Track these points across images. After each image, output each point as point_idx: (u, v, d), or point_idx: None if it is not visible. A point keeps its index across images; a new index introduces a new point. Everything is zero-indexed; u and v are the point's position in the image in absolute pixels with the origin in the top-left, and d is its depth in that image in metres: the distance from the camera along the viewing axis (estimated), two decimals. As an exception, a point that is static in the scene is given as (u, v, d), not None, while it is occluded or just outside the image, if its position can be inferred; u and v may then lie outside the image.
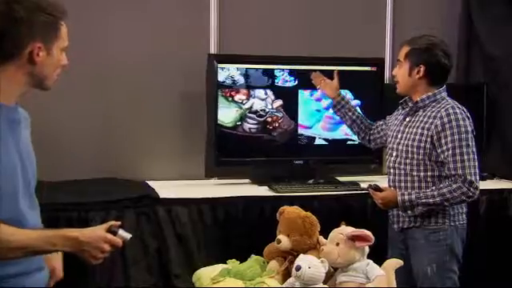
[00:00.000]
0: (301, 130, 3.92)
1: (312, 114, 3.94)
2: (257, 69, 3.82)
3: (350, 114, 3.42)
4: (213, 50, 3.95)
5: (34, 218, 2.01)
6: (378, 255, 2.24)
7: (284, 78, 3.87)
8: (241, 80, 3.79)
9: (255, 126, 3.87)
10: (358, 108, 3.55)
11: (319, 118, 3.95)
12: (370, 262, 2.16)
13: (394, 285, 2.14)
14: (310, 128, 3.94)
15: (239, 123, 3.83)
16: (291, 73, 3.87)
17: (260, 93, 3.85)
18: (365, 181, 3.84)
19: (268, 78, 3.84)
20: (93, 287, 3.15)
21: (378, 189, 3.04)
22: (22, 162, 1.92)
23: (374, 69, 4.02)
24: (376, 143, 3.41)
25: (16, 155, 1.90)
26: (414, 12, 4.31)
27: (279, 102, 3.90)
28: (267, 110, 3.89)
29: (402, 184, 3.03)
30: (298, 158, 3.95)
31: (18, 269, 1.92)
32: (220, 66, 3.75)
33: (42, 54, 1.90)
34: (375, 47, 4.22)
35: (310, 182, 3.83)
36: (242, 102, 3.82)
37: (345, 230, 2.19)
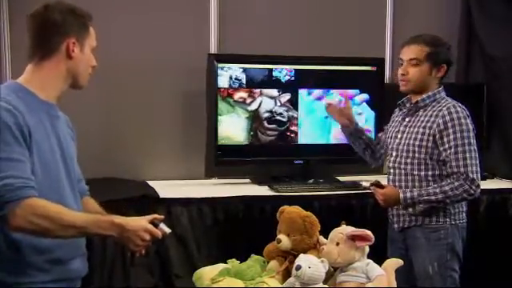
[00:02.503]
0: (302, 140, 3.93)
1: (317, 128, 3.95)
2: (257, 68, 3.82)
3: (363, 137, 3.33)
4: (213, 49, 3.95)
5: (78, 208, 2.15)
6: (377, 255, 2.23)
7: (284, 78, 3.87)
8: (241, 79, 3.78)
9: (274, 138, 3.87)
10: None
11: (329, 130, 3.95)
12: (370, 261, 2.16)
13: (395, 285, 2.14)
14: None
15: (252, 133, 3.82)
16: (291, 72, 3.87)
17: (271, 92, 3.84)
18: (365, 180, 3.84)
19: (268, 77, 3.84)
20: (93, 287, 3.15)
21: (379, 185, 3.04)
22: (62, 153, 2.12)
23: (374, 68, 4.02)
24: (381, 159, 3.38)
25: (57, 146, 2.10)
26: (415, 12, 4.31)
27: (287, 97, 3.88)
28: (285, 114, 3.87)
29: (403, 183, 3.03)
30: (298, 157, 3.95)
31: (59, 254, 2.06)
32: (220, 65, 3.75)
33: (77, 50, 2.12)
34: (375, 47, 4.22)
35: (310, 181, 3.83)
36: (244, 102, 3.80)
37: (345, 229, 2.19)
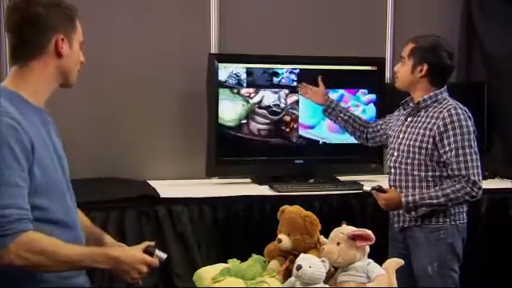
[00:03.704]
0: (302, 132, 3.91)
1: (315, 111, 3.91)
2: (257, 68, 3.81)
3: (341, 115, 3.44)
4: (213, 49, 3.95)
5: (77, 217, 2.08)
6: (378, 254, 2.23)
7: (284, 78, 3.86)
8: (241, 79, 3.78)
9: (266, 127, 3.86)
10: (348, 108, 3.56)
11: (324, 117, 3.92)
12: (371, 261, 2.15)
13: (395, 284, 2.14)
14: (312, 128, 3.93)
15: (244, 121, 3.81)
16: (292, 72, 3.87)
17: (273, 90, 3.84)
18: (365, 180, 3.84)
19: (269, 77, 3.84)
20: (94, 287, 3.15)
21: (381, 190, 3.03)
22: (59, 161, 2.00)
23: (374, 68, 4.02)
24: (375, 141, 3.42)
25: (54, 154, 1.97)
26: (415, 11, 4.31)
27: (294, 98, 3.87)
28: (282, 105, 3.88)
29: (403, 183, 3.03)
30: (299, 157, 3.94)
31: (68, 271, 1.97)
32: (221, 65, 3.75)
33: (65, 47, 1.96)
34: (376, 46, 4.21)
35: (311, 181, 3.82)
36: (249, 96, 3.80)
37: (345, 229, 2.19)
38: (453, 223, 2.99)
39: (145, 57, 3.82)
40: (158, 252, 2.06)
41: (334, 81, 3.93)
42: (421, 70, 3.00)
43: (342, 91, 3.93)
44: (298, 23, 4.12)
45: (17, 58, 1.96)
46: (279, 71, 3.85)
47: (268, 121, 3.84)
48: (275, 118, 3.86)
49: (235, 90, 3.77)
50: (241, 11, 4.03)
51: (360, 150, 3.87)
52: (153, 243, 2.08)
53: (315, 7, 4.16)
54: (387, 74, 4.16)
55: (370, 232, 2.15)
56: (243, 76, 3.79)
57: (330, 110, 3.45)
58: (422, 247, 2.99)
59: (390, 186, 3.10)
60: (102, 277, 3.15)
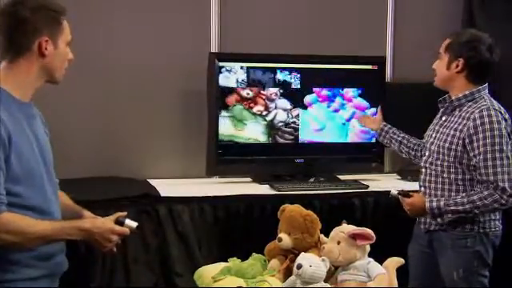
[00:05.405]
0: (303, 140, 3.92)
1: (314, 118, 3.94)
2: (258, 67, 3.81)
3: (394, 137, 3.28)
4: (214, 48, 3.95)
5: (58, 206, 2.18)
6: (379, 253, 2.23)
7: (285, 76, 3.86)
8: (242, 78, 3.78)
9: (289, 142, 3.89)
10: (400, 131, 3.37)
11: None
12: (371, 260, 2.16)
13: (395, 283, 2.14)
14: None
15: (271, 139, 3.84)
16: (292, 71, 3.86)
17: (284, 103, 3.84)
18: (366, 179, 3.84)
19: (269, 76, 3.84)
20: (94, 286, 3.15)
21: (406, 194, 2.93)
22: (41, 153, 2.09)
23: (375, 67, 4.01)
24: None
25: (36, 146, 2.07)
26: (416, 10, 4.30)
27: (297, 111, 3.87)
28: (298, 122, 3.88)
29: (433, 185, 2.91)
30: (299, 156, 3.94)
31: (43, 250, 2.07)
32: (221, 64, 3.74)
33: (50, 48, 2.06)
34: (376, 45, 4.21)
35: (311, 180, 3.82)
36: (261, 114, 3.80)
37: (346, 228, 2.19)
38: (481, 231, 2.85)
39: (145, 56, 3.82)
40: (128, 221, 2.18)
41: (334, 80, 3.94)
42: (457, 66, 2.86)
43: (353, 109, 3.92)
44: (298, 22, 4.11)
45: (4, 55, 2.07)
46: (279, 70, 3.84)
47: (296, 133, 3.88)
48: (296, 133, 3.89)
49: (252, 111, 3.78)
50: (241, 10, 4.02)
51: (360, 149, 3.87)
52: (124, 213, 2.20)
53: (315, 6, 4.15)
54: (387, 73, 4.16)
55: (370, 231, 2.16)
56: (244, 75, 3.78)
57: (384, 134, 3.32)
58: (447, 253, 2.87)
59: (420, 187, 2.99)
60: (102, 274, 3.16)
